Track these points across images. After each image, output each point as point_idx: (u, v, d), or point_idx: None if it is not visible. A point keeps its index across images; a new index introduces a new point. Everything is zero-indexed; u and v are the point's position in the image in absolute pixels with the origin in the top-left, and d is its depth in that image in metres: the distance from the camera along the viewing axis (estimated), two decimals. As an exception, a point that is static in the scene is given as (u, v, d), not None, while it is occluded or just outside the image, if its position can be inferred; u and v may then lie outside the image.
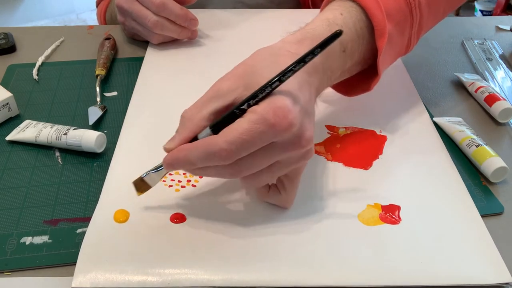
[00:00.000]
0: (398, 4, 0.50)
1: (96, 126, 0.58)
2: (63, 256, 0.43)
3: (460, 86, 0.67)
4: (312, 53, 0.38)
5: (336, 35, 0.37)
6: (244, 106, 0.39)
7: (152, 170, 0.44)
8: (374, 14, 0.48)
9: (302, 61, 0.38)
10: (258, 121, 0.38)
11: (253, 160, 0.40)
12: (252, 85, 0.40)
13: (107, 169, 0.50)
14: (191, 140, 0.41)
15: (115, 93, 0.64)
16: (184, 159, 0.40)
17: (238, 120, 0.39)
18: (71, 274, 0.40)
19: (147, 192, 0.45)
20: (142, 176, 0.44)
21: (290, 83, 0.40)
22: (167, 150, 0.42)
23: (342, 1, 0.50)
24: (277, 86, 0.39)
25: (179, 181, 0.49)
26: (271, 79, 0.38)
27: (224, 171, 0.40)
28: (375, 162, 0.52)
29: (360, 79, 0.54)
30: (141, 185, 0.45)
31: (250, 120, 0.38)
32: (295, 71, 0.38)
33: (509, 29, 0.81)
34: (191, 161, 0.40)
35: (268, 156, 0.40)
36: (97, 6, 0.92)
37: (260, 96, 0.39)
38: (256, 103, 0.39)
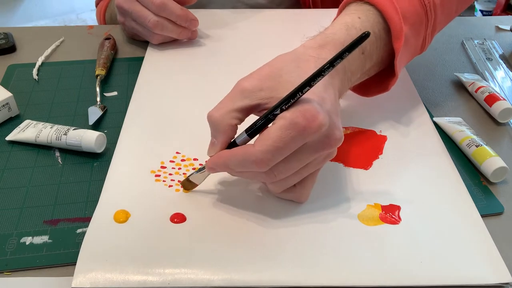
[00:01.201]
0: (414, 6, 0.51)
1: (96, 126, 0.58)
2: (63, 256, 0.43)
3: (460, 86, 0.67)
4: (340, 57, 0.38)
5: (364, 36, 0.37)
6: (277, 111, 0.40)
7: (196, 172, 0.47)
8: (391, 17, 0.49)
9: (331, 65, 0.39)
10: (289, 127, 0.39)
11: (287, 164, 0.41)
12: (278, 88, 0.42)
13: (107, 169, 0.50)
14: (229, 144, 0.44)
15: (115, 93, 0.64)
16: (223, 164, 0.43)
17: (269, 128, 0.40)
18: (71, 274, 0.40)
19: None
20: (188, 177, 0.47)
21: (316, 86, 0.40)
22: (210, 156, 0.45)
23: (359, 5, 0.51)
24: (308, 90, 0.39)
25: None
26: (301, 84, 0.39)
27: (261, 176, 0.43)
28: (375, 162, 0.52)
29: (376, 80, 0.55)
30: (188, 185, 0.48)
31: (281, 127, 0.39)
32: (324, 75, 0.39)
33: (509, 29, 0.81)
34: (229, 167, 0.43)
35: (301, 158, 0.41)
36: (96, 6, 0.92)
37: (292, 101, 0.40)
38: (288, 108, 0.40)
